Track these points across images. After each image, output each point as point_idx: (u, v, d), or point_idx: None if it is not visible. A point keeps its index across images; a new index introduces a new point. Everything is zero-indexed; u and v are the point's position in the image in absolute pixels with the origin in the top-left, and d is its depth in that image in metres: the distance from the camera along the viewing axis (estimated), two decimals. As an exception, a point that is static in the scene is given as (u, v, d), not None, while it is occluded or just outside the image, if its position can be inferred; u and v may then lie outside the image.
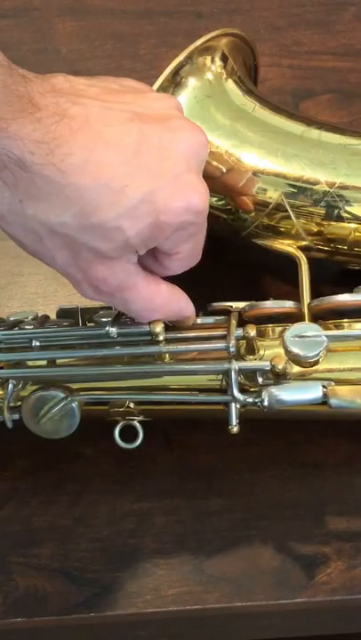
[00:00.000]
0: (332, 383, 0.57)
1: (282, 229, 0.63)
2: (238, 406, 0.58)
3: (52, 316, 0.63)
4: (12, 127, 0.48)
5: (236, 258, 0.69)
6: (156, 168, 0.51)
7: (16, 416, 0.60)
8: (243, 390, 0.57)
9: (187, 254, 0.55)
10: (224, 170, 0.62)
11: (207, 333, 0.59)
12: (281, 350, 0.57)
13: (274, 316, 0.60)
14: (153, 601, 0.61)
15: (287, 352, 0.56)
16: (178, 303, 0.58)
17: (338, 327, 0.59)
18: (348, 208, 0.61)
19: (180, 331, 0.59)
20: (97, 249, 0.52)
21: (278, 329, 0.59)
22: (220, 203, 0.63)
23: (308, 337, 0.56)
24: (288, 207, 0.62)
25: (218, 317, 0.60)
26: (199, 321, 0.60)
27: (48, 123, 0.49)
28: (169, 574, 0.62)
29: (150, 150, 0.51)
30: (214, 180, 0.61)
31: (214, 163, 0.61)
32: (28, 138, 0.48)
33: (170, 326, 0.59)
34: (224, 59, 0.64)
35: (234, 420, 0.58)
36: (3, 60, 0.49)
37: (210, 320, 0.60)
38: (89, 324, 0.61)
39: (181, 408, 0.60)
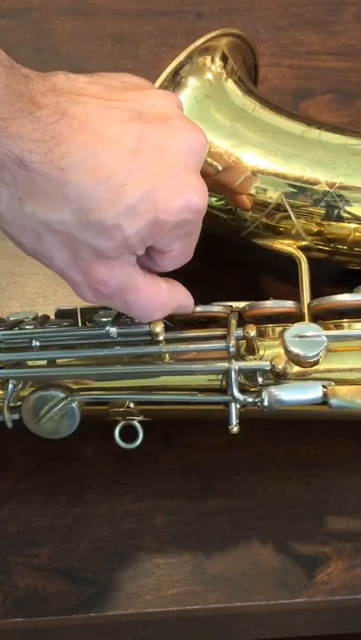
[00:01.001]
0: (333, 383, 0.57)
1: (282, 229, 0.63)
2: (238, 406, 0.58)
3: (52, 316, 0.63)
4: (11, 127, 0.48)
5: (236, 258, 0.69)
6: (155, 167, 0.51)
7: (16, 416, 0.60)
8: (243, 390, 0.57)
9: (179, 253, 0.55)
10: (220, 168, 0.62)
11: (207, 333, 0.59)
12: (281, 350, 0.57)
13: (274, 316, 0.60)
14: (153, 601, 0.61)
15: (287, 352, 0.56)
16: (178, 299, 0.58)
17: (338, 327, 0.59)
18: (348, 208, 0.61)
19: (180, 331, 0.59)
20: (96, 247, 0.52)
21: (278, 329, 0.59)
22: (219, 203, 0.63)
23: (308, 337, 0.56)
24: (288, 207, 0.62)
25: (218, 308, 0.60)
26: (199, 309, 0.60)
27: (48, 122, 0.49)
28: (169, 574, 0.62)
29: (150, 149, 0.51)
30: (211, 179, 0.61)
31: (210, 161, 0.61)
32: (27, 137, 0.49)
33: (170, 326, 0.59)
34: (224, 59, 0.64)
35: (234, 420, 0.58)
36: (5, 59, 0.49)
37: (210, 309, 0.60)
38: (89, 324, 0.61)
39: (181, 408, 0.60)
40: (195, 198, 0.53)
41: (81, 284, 0.54)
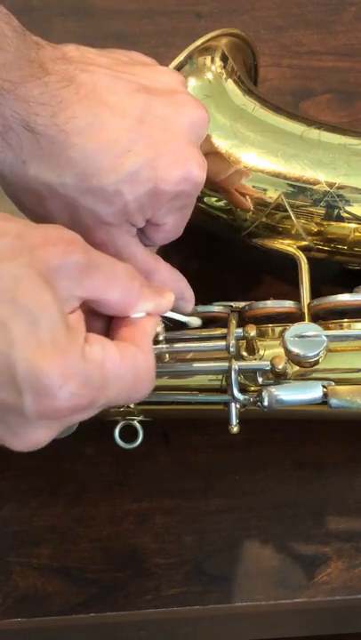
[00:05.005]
0: (332, 383, 0.57)
1: (282, 229, 0.63)
2: (238, 406, 0.58)
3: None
4: (19, 90, 0.50)
5: (236, 258, 0.69)
6: (158, 137, 0.52)
7: (16, 416, 0.59)
8: (243, 390, 0.57)
9: (172, 227, 0.56)
10: (220, 168, 0.62)
11: (207, 333, 0.59)
12: (281, 350, 0.57)
13: (274, 316, 0.60)
14: (153, 601, 0.61)
15: (287, 352, 0.56)
16: (177, 284, 0.58)
17: (338, 327, 0.59)
18: (347, 208, 0.61)
19: (180, 331, 0.59)
20: (96, 212, 0.52)
21: (278, 329, 0.59)
22: (219, 203, 0.63)
23: (308, 337, 0.56)
24: (288, 207, 0.62)
25: (218, 308, 0.60)
26: (199, 309, 0.60)
27: (55, 87, 0.50)
28: (169, 574, 0.62)
29: (154, 120, 0.52)
30: (211, 178, 0.61)
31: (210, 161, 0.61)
32: (34, 101, 0.50)
33: (170, 326, 0.59)
34: (224, 59, 0.64)
35: (234, 420, 0.58)
36: (17, 26, 0.51)
37: (210, 309, 0.60)
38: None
39: (181, 408, 0.60)
40: (195, 170, 0.53)
41: None
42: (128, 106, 0.52)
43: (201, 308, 0.60)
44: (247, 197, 0.62)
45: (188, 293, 0.59)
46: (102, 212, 0.52)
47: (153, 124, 0.52)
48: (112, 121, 0.51)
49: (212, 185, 0.62)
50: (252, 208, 0.62)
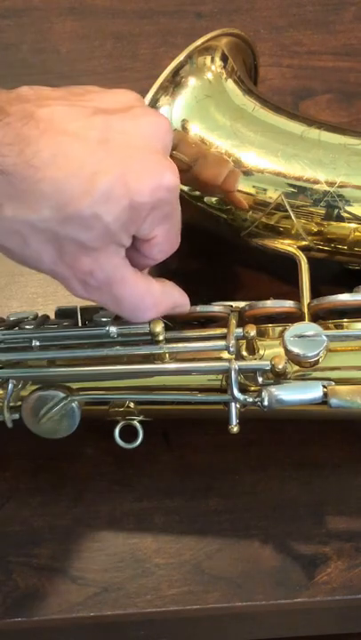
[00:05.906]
0: (333, 383, 0.57)
1: (282, 229, 0.63)
2: (238, 406, 0.58)
3: (52, 316, 0.63)
4: None
5: (236, 258, 0.69)
6: (123, 153, 0.53)
7: (16, 416, 0.60)
8: (243, 390, 0.57)
9: (164, 238, 0.56)
10: (219, 168, 0.62)
11: (207, 333, 0.59)
12: (281, 350, 0.57)
13: (274, 316, 0.60)
14: (153, 601, 0.61)
15: (287, 352, 0.56)
16: (171, 298, 0.58)
17: (338, 327, 0.59)
18: (348, 208, 0.61)
19: (180, 330, 0.59)
20: (79, 240, 0.52)
21: (278, 329, 0.59)
22: (219, 203, 0.63)
23: (308, 337, 0.56)
24: (288, 207, 0.62)
25: (218, 308, 0.60)
26: (198, 309, 0.60)
27: (17, 126, 0.51)
28: (169, 574, 0.62)
29: (115, 137, 0.53)
30: (209, 178, 0.62)
31: (210, 161, 0.62)
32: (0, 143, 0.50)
33: (170, 326, 0.59)
34: (224, 59, 0.64)
35: (234, 420, 0.58)
36: None
37: (210, 309, 0.60)
38: (89, 324, 0.61)
39: (181, 408, 0.60)
40: (166, 176, 0.53)
41: (70, 278, 0.54)
42: (88, 129, 0.52)
43: (200, 308, 0.60)
44: (247, 198, 0.62)
45: (183, 301, 0.59)
46: (84, 239, 0.52)
47: (115, 141, 0.53)
48: (75, 147, 0.52)
49: (211, 189, 0.62)
50: (251, 208, 0.62)
